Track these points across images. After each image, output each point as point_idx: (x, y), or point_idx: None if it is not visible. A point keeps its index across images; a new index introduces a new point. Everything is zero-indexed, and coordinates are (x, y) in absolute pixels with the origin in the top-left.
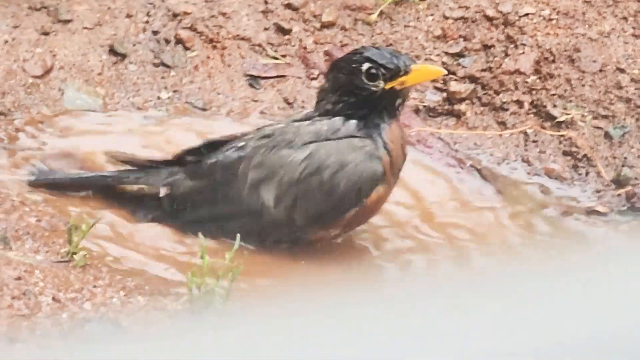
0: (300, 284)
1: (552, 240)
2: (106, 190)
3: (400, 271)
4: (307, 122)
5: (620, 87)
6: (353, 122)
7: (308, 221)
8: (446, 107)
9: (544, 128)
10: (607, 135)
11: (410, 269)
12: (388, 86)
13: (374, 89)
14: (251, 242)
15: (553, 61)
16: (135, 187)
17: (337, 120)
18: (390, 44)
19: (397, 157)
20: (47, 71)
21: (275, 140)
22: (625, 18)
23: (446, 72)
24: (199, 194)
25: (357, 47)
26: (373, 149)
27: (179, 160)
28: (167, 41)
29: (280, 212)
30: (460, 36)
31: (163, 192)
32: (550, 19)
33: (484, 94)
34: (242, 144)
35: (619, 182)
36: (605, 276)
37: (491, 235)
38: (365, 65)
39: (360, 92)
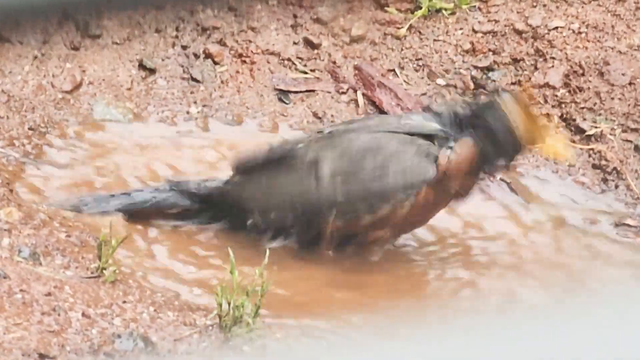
0: (334, 301)
1: (581, 254)
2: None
3: (451, 295)
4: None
5: None
6: (435, 126)
7: (359, 206)
8: None
9: (573, 141)
10: (637, 149)
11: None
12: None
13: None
14: (302, 238)
15: (582, 74)
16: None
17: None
18: (420, 59)
19: (458, 173)
20: (77, 86)
21: (338, 129)
22: None
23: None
24: (257, 182)
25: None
26: (433, 149)
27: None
28: (196, 56)
29: (331, 187)
30: (489, 50)
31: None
32: (580, 32)
33: None
34: (300, 145)
35: None
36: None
37: (520, 248)
38: None
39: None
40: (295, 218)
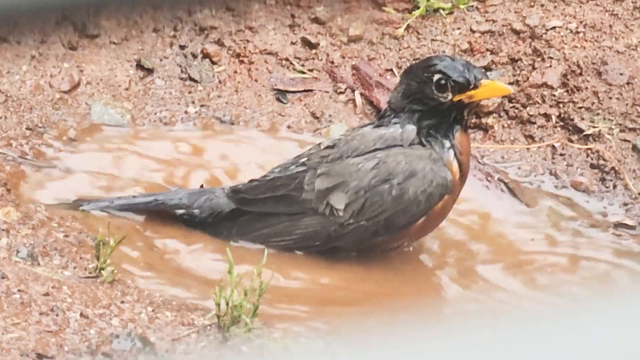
0: (333, 303)
1: (579, 254)
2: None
3: (459, 294)
4: (370, 128)
5: None
6: (412, 128)
7: (377, 228)
8: (473, 120)
9: (571, 141)
10: (635, 148)
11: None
12: (456, 98)
13: (442, 99)
14: (314, 249)
15: (580, 74)
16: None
17: (398, 127)
18: (417, 58)
19: (465, 167)
20: (75, 86)
21: (340, 150)
22: None
23: (513, 90)
24: (262, 205)
25: (431, 55)
26: (440, 157)
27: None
28: (194, 56)
29: (349, 218)
30: (487, 50)
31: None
32: (577, 32)
33: (512, 107)
34: (304, 159)
35: None
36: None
37: (518, 249)
38: (436, 76)
39: (429, 101)
40: (307, 239)
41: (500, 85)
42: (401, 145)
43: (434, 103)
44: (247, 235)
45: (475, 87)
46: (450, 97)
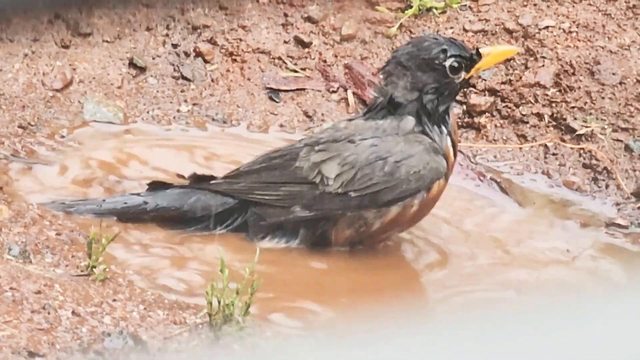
0: (325, 301)
1: (572, 253)
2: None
3: (437, 293)
4: (362, 120)
5: None
6: (410, 118)
7: (363, 200)
8: (466, 119)
9: (563, 141)
10: (628, 148)
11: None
12: (468, 75)
13: (457, 80)
14: (297, 211)
15: (573, 74)
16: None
17: (393, 119)
18: None
19: (456, 144)
20: (67, 84)
21: (334, 135)
22: None
23: (519, 49)
24: (256, 176)
25: (419, 42)
26: (440, 147)
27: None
28: (187, 54)
29: (338, 188)
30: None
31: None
32: (570, 32)
33: (504, 106)
34: (299, 144)
35: (639, 194)
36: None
37: (512, 248)
38: (449, 61)
39: (445, 87)
40: (298, 222)
41: (504, 48)
42: (396, 134)
43: (450, 87)
44: (234, 189)
45: (480, 57)
46: (463, 75)
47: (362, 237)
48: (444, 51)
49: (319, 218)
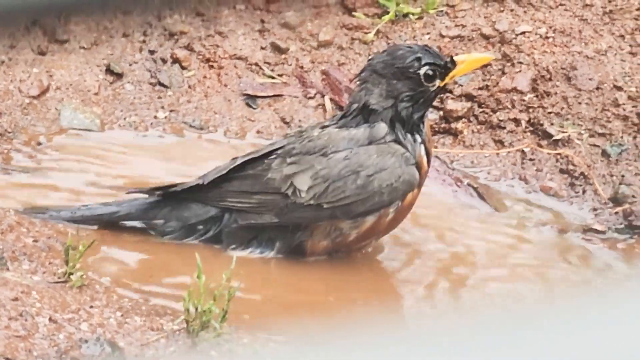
0: (301, 307)
1: (549, 259)
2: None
3: (416, 301)
4: (334, 129)
5: (617, 105)
6: (383, 125)
7: (335, 212)
8: (443, 125)
9: (541, 146)
10: (605, 153)
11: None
12: (443, 83)
13: (431, 88)
14: (269, 218)
15: (550, 79)
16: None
17: (367, 127)
18: None
19: (430, 152)
20: (44, 91)
21: (307, 146)
22: (622, 36)
23: (495, 56)
24: (227, 185)
25: (394, 50)
26: (412, 156)
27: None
28: (164, 61)
29: (309, 200)
30: (457, 54)
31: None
32: (547, 37)
33: (481, 112)
34: (270, 149)
35: (616, 200)
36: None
37: (489, 254)
38: (423, 69)
39: (420, 95)
40: (273, 232)
41: (478, 55)
42: (369, 144)
43: (425, 95)
44: (208, 197)
45: (455, 65)
46: (437, 83)
47: (338, 247)
48: (418, 59)
49: (295, 229)
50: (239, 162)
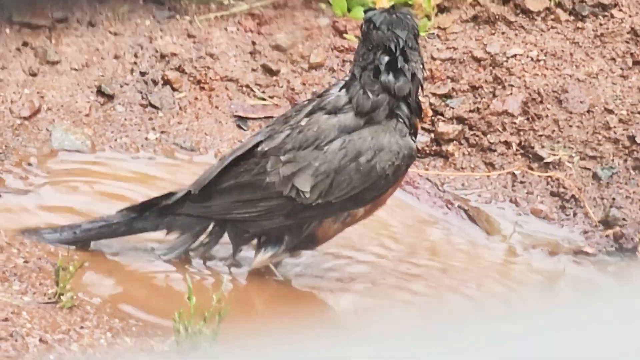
0: (291, 324)
1: (538, 281)
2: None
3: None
4: (324, 115)
5: (609, 128)
6: (357, 85)
7: (346, 204)
8: (434, 148)
9: (531, 169)
10: (595, 176)
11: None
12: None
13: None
14: (280, 221)
15: (541, 102)
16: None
17: (343, 96)
18: None
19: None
20: (35, 112)
21: (298, 139)
22: (613, 59)
23: None
24: (227, 196)
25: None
26: (403, 126)
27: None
28: (155, 82)
29: (317, 199)
30: (448, 77)
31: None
32: (538, 60)
33: (472, 134)
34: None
35: (607, 222)
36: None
37: (479, 276)
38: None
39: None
40: (282, 228)
41: None
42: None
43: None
44: (211, 210)
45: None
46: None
47: (348, 226)
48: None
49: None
50: (228, 160)
